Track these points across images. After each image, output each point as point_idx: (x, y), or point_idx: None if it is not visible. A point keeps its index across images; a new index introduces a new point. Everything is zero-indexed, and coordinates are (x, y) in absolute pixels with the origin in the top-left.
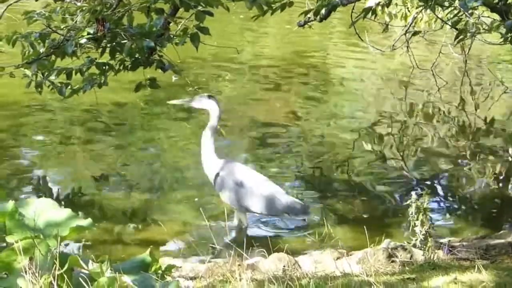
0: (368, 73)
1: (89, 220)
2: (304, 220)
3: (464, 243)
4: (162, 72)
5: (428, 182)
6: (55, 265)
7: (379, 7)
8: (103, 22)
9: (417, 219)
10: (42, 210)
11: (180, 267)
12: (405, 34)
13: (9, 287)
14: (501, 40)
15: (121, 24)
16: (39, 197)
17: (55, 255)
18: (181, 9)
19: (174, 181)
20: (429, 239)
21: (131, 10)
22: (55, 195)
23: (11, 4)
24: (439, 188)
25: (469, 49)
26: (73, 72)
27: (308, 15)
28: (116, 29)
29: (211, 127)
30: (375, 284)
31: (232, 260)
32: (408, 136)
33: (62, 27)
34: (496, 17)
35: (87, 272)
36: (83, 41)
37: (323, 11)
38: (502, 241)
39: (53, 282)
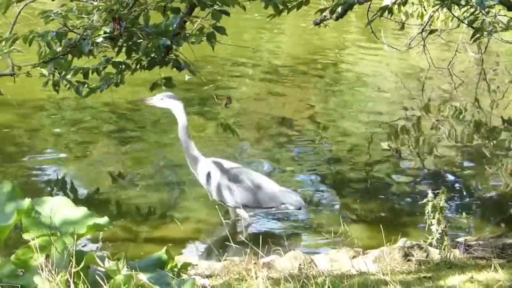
0: (384, 71)
1: (106, 218)
2: (300, 208)
3: (481, 242)
4: (178, 71)
5: (445, 181)
6: (71, 263)
7: (396, 6)
8: (120, 21)
9: (434, 218)
10: (58, 208)
11: (196, 265)
12: (421, 32)
13: (25, 285)
14: None
15: (138, 23)
16: (55, 195)
17: (71, 252)
18: (197, 8)
19: (190, 180)
20: (445, 238)
21: (148, 9)
22: (71, 193)
23: (27, 3)
24: (455, 187)
25: (486, 47)
26: (90, 71)
27: (324, 14)
28: (132, 28)
29: (183, 127)
30: (391, 283)
31: (248, 258)
32: (424, 134)
33: (78, 26)
34: None
35: (103, 269)
36: (99, 40)
37: (339, 9)
38: None
39: (69, 279)
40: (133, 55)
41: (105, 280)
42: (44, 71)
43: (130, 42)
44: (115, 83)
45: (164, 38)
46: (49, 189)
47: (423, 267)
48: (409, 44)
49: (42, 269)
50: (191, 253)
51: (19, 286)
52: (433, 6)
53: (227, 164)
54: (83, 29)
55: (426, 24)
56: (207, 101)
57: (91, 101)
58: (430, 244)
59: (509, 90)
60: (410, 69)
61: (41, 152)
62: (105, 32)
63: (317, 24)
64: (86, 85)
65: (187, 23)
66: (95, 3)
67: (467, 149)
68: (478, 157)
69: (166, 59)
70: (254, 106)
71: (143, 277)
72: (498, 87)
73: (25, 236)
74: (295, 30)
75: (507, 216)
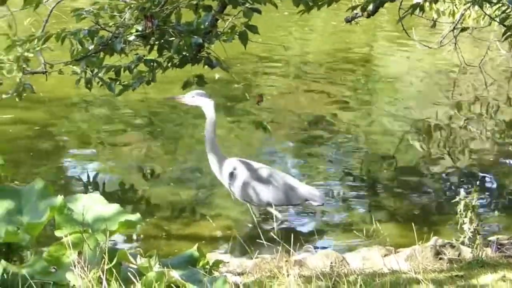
0: (415, 69)
1: (138, 215)
2: (323, 204)
3: None
4: (210, 69)
5: (476, 179)
6: (103, 260)
7: (427, 4)
8: (151, 19)
9: (466, 216)
10: (90, 205)
11: (228, 262)
12: (452, 30)
13: (58, 281)
14: None
15: (169, 21)
16: (87, 192)
17: (103, 249)
18: (229, 6)
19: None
20: (478, 237)
21: (179, 7)
22: (103, 190)
23: (60, 1)
24: (487, 185)
25: None
26: (122, 69)
27: (356, 11)
28: (164, 26)
29: (210, 125)
30: (423, 281)
31: (279, 256)
32: (455, 132)
33: (110, 24)
34: None
35: (135, 266)
36: (131, 38)
37: (370, 6)
38: None
39: (101, 276)
40: (164, 53)
41: (137, 277)
42: (77, 69)
43: (162, 40)
44: (147, 81)
45: (195, 36)
46: (80, 186)
47: (455, 265)
48: (441, 42)
49: (74, 266)
50: (222, 251)
51: (52, 282)
52: (464, 4)
53: (250, 163)
54: (115, 27)
55: (458, 22)
56: (238, 99)
57: (123, 99)
58: (462, 243)
59: None
60: (441, 67)
61: (73, 150)
62: (137, 30)
63: (348, 21)
64: (118, 83)
65: (218, 21)
66: (127, 1)
67: (499, 148)
68: (510, 155)
69: (198, 57)
70: (285, 103)
71: (175, 274)
72: None
73: (58, 233)
74: (325, 28)
75: None
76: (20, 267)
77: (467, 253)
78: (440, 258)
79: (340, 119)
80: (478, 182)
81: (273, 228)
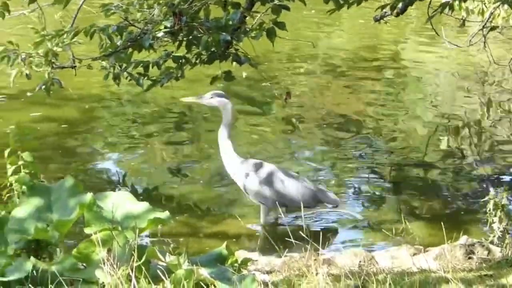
0: (444, 68)
1: (167, 212)
2: (337, 206)
3: None
4: (239, 66)
5: (506, 178)
6: (132, 257)
7: (456, 2)
8: (180, 16)
9: (495, 216)
10: (119, 203)
11: (256, 260)
12: (482, 29)
13: (87, 278)
14: None
15: (198, 17)
16: (116, 190)
17: (133, 247)
18: (258, 3)
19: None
20: (507, 236)
21: (208, 4)
22: (132, 188)
23: None
24: None
25: None
26: (150, 65)
27: (385, 10)
28: (192, 22)
29: (226, 126)
30: (452, 280)
31: (308, 254)
32: (484, 132)
33: (139, 20)
34: None
35: (164, 264)
36: (160, 34)
37: (399, 5)
38: None
39: (130, 273)
40: (193, 50)
41: (166, 275)
42: (105, 64)
43: (191, 37)
44: (175, 77)
45: (224, 33)
46: (109, 184)
47: (484, 265)
48: (470, 40)
49: (103, 263)
50: (250, 249)
51: (81, 279)
52: (494, 3)
53: (265, 164)
54: (144, 23)
55: (487, 21)
56: (266, 97)
57: (151, 96)
58: (492, 242)
59: None
60: (470, 66)
61: (101, 147)
62: (165, 27)
63: (377, 20)
64: (146, 78)
65: (247, 18)
66: None
67: None
68: None
69: (226, 53)
70: (313, 101)
71: (204, 272)
72: None
73: (87, 230)
74: (353, 26)
75: None
76: (49, 264)
77: (496, 252)
78: (469, 258)
79: (368, 117)
80: (507, 182)
81: (302, 226)
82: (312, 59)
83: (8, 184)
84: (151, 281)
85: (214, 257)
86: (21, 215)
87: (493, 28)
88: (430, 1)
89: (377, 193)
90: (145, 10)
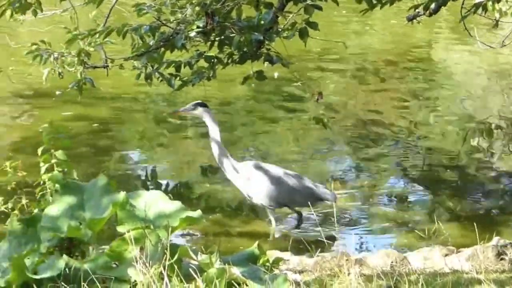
0: (477, 69)
1: (199, 211)
2: (335, 201)
3: None
4: (271, 66)
5: None
6: (165, 255)
7: (490, 3)
8: (212, 16)
9: None
10: (152, 202)
11: (288, 260)
12: None
13: (119, 277)
14: None
15: (230, 17)
16: (148, 188)
17: (165, 245)
18: (290, 3)
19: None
20: None
21: (240, 4)
22: (164, 186)
23: None
24: None
25: None
26: (182, 65)
27: (418, 10)
28: (225, 22)
29: (214, 135)
30: (485, 281)
31: (340, 254)
32: None
33: (171, 20)
34: None
35: (196, 263)
36: (192, 34)
37: (432, 5)
38: None
39: (163, 272)
40: (225, 49)
41: (198, 273)
42: (137, 64)
43: (223, 37)
44: (207, 77)
45: (256, 33)
46: (141, 182)
47: None
48: (503, 42)
49: (136, 262)
50: (282, 248)
51: (113, 278)
52: None
53: (264, 166)
54: (176, 23)
55: None
56: (297, 96)
57: (183, 95)
58: None
59: None
60: (503, 66)
61: (133, 146)
62: (198, 27)
63: (410, 20)
64: (178, 78)
65: (279, 18)
66: None
67: None
68: None
69: (258, 53)
70: (344, 101)
71: (236, 271)
72: None
73: (120, 228)
74: (385, 26)
75: None
76: (82, 262)
77: None
78: (502, 259)
79: (399, 118)
80: None
81: (334, 226)
82: (344, 59)
83: (42, 182)
84: (183, 280)
85: (246, 257)
86: (54, 213)
87: None
88: (463, 2)
89: (409, 193)
90: (177, 10)
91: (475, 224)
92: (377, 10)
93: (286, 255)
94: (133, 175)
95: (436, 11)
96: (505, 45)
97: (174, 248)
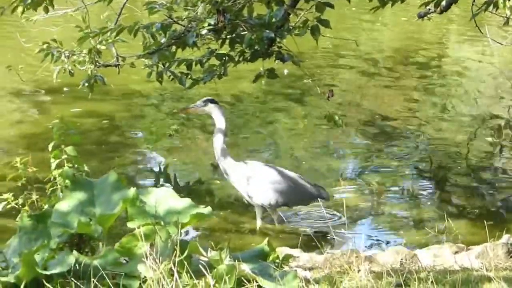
0: (487, 66)
1: (209, 208)
2: (328, 200)
3: None
4: (282, 63)
5: None
6: (175, 252)
7: (501, 0)
8: (224, 13)
9: None
10: (162, 198)
11: (298, 257)
12: None
13: (129, 273)
14: None
15: (241, 15)
16: (158, 185)
17: (175, 241)
18: (301, 1)
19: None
20: None
21: (252, 1)
22: (174, 183)
23: None
24: None
25: None
26: (193, 63)
27: (428, 7)
28: (236, 20)
29: (220, 132)
30: (494, 279)
31: (349, 252)
32: None
33: (183, 18)
34: None
35: (206, 259)
36: (203, 32)
37: (443, 2)
38: None
39: (173, 268)
40: (236, 47)
41: (208, 270)
42: (148, 62)
43: (234, 34)
44: (218, 75)
45: (267, 31)
46: (151, 179)
47: None
48: None
49: (146, 258)
50: (292, 245)
51: (123, 274)
52: None
53: (263, 166)
54: (188, 21)
55: None
56: (308, 94)
57: (193, 92)
58: None
59: None
60: None
61: (143, 143)
62: (209, 24)
63: (421, 17)
64: (189, 76)
65: (290, 16)
66: None
67: None
68: None
69: (269, 51)
70: (355, 98)
71: (246, 267)
72: None
73: (130, 224)
74: (396, 24)
75: None
76: (91, 258)
77: None
78: (511, 256)
79: (410, 116)
80: None
81: (344, 224)
82: (355, 56)
83: (52, 178)
84: (193, 276)
85: (255, 253)
86: (64, 209)
87: None
88: None
89: (419, 191)
90: (189, 8)
91: (485, 222)
92: (388, 7)
93: (296, 252)
94: (143, 172)
95: (447, 8)
96: None
97: (184, 244)
